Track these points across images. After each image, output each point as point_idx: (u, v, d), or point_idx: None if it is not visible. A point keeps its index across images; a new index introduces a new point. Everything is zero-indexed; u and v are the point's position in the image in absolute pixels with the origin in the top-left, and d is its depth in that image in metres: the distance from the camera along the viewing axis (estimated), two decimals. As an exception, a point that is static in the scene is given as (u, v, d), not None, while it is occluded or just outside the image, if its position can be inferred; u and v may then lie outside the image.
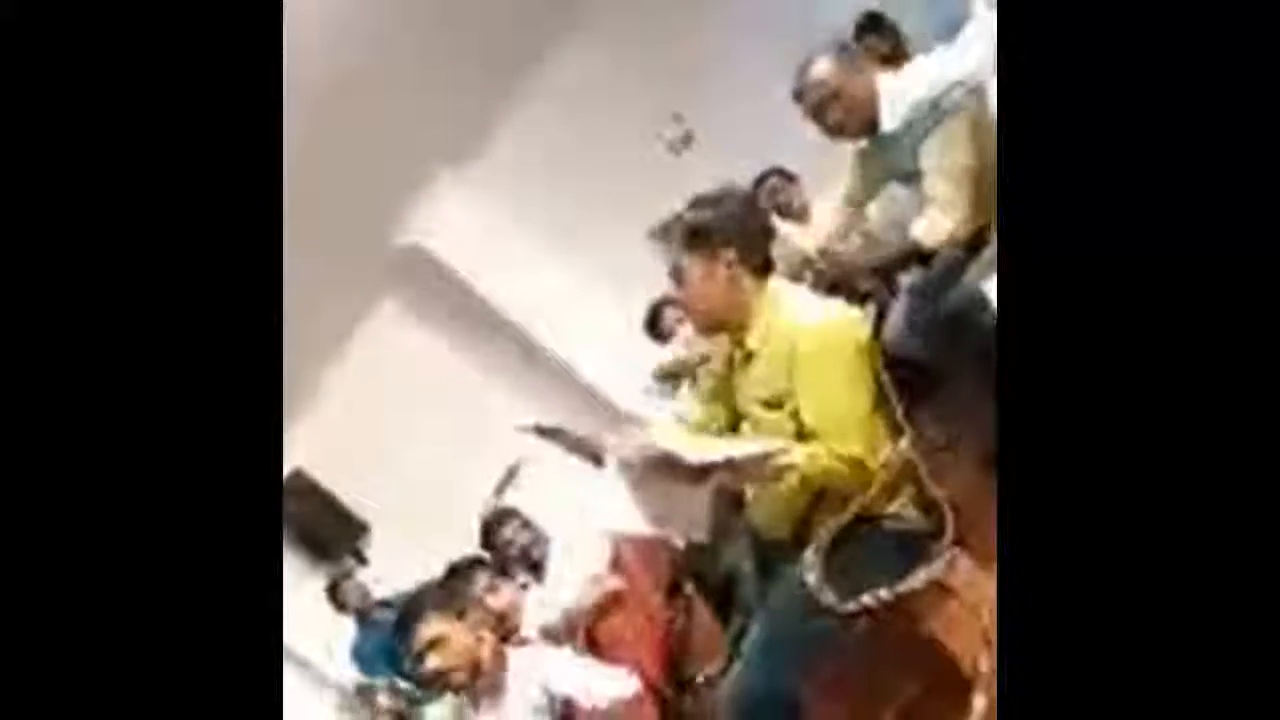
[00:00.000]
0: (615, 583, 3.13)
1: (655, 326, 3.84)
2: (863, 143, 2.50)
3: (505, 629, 3.08)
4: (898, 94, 2.32)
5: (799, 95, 2.43)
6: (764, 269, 2.05)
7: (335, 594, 4.76)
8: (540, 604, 3.20)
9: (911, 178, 2.37)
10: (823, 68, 2.38)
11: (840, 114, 2.38)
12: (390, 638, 2.57)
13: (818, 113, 2.41)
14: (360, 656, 4.58)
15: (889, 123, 2.33)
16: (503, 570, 3.48)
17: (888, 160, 2.44)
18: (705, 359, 2.34)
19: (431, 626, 2.46)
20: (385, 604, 4.54)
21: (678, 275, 2.07)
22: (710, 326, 2.13)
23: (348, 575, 4.85)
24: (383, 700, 4.03)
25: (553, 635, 3.12)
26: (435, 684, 2.53)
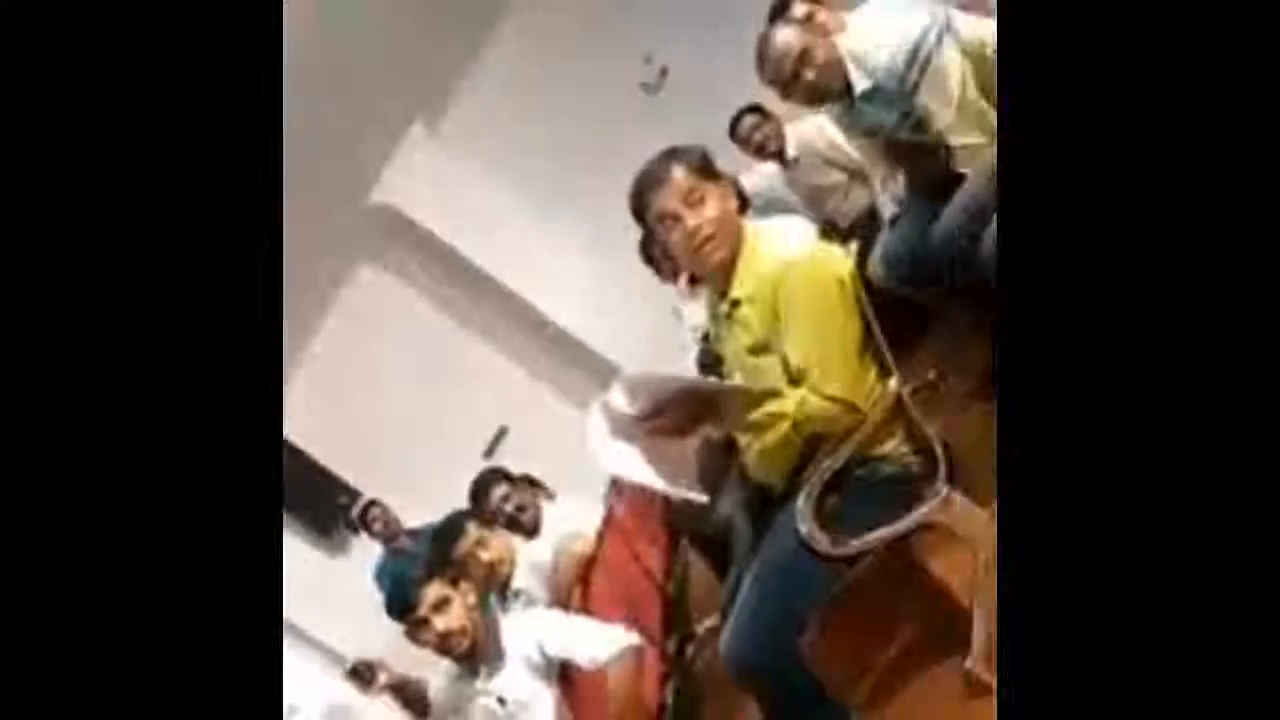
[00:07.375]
0: (608, 540, 3.11)
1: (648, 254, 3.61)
2: (837, 108, 2.42)
3: (495, 581, 3.07)
4: (861, 55, 2.23)
5: (765, 73, 2.34)
6: (742, 208, 1.99)
7: (364, 518, 4.73)
8: (532, 563, 3.17)
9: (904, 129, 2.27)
10: (785, 35, 2.28)
11: (812, 76, 2.28)
12: (399, 590, 2.61)
13: (788, 85, 2.32)
14: (381, 578, 4.53)
15: (861, 83, 2.24)
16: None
17: (875, 117, 2.34)
18: None
19: (434, 589, 2.51)
20: (412, 533, 4.52)
21: (676, 211, 1.91)
22: (718, 264, 1.96)
23: (374, 503, 4.79)
24: (382, 678, 4.07)
25: (545, 594, 3.11)
26: (441, 647, 2.55)
